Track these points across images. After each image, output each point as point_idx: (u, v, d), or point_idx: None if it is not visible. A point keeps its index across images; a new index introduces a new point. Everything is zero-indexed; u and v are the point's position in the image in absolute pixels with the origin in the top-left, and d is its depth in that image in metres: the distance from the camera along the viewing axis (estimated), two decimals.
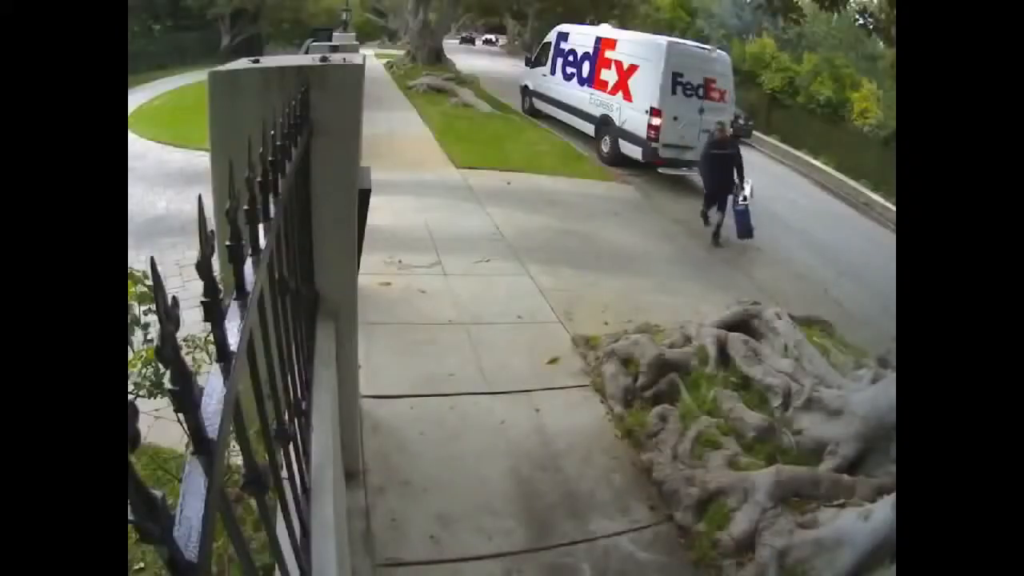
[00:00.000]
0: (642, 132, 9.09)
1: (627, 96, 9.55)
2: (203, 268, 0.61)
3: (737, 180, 6.96)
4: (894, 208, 10.82)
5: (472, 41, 36.35)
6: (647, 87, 9.16)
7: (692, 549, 2.47)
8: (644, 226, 6.90)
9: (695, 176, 9.59)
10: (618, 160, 9.57)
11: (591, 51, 10.58)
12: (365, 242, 2.30)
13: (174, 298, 0.49)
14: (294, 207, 1.42)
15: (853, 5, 6.43)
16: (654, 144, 8.96)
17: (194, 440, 0.52)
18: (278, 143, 1.12)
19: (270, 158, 1.03)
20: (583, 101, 10.63)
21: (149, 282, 1.70)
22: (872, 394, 3.01)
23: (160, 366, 1.55)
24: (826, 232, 8.98)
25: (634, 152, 9.26)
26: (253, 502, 0.80)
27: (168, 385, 0.50)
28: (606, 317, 4.29)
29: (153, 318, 1.45)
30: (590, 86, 10.47)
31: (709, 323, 3.84)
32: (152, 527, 0.41)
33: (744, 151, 7.64)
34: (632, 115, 9.37)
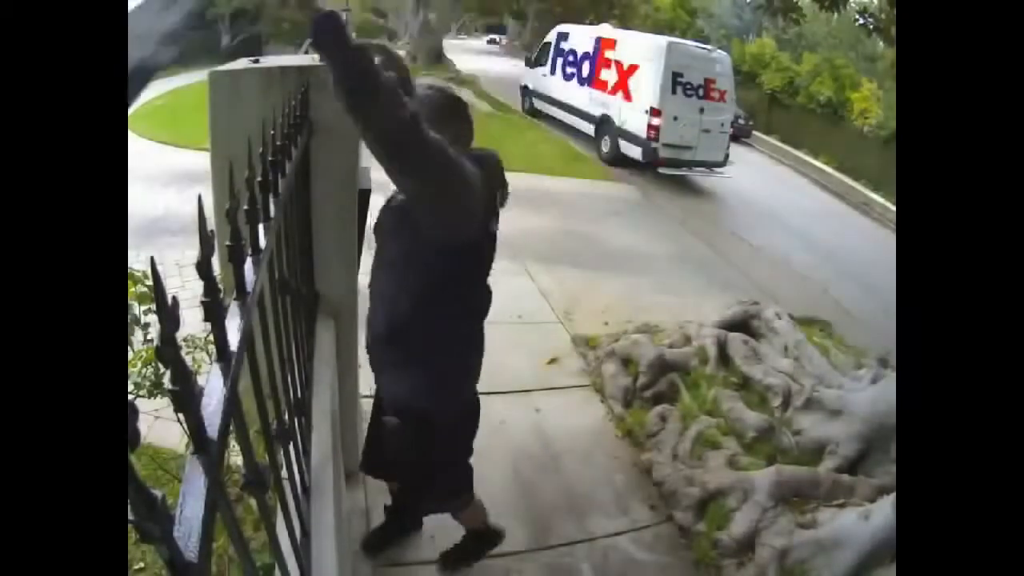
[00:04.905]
0: (642, 132, 9.09)
1: (627, 96, 9.55)
2: (203, 268, 0.61)
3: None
4: (894, 208, 10.82)
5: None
6: (647, 87, 9.16)
7: (692, 549, 2.47)
8: (644, 226, 6.90)
9: (695, 176, 9.61)
10: (618, 160, 9.57)
11: (591, 51, 10.57)
12: (365, 242, 2.30)
13: (174, 298, 0.49)
14: (294, 207, 1.42)
15: (853, 5, 6.41)
16: (654, 144, 8.97)
17: (194, 440, 0.52)
18: (278, 143, 1.12)
19: (270, 158, 1.03)
20: (583, 101, 10.63)
21: (149, 282, 1.70)
22: (872, 394, 3.02)
23: (160, 366, 1.55)
24: (826, 232, 8.98)
25: (634, 152, 9.27)
26: (253, 502, 0.80)
27: (168, 385, 0.50)
28: (606, 317, 4.28)
29: (153, 318, 1.45)
30: (590, 86, 10.47)
31: (709, 323, 3.84)
32: (152, 527, 0.41)
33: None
34: (632, 115, 9.37)
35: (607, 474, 2.85)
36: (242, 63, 1.88)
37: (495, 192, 1.58)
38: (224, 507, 0.56)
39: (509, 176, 1.67)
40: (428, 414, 1.64)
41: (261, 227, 0.87)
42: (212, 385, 0.58)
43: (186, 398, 0.50)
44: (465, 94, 13.12)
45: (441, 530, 2.28)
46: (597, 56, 10.38)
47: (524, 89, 12.90)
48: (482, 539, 2.12)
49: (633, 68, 9.51)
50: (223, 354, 0.62)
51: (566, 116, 11.21)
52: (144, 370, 1.73)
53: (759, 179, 11.66)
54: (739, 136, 13.96)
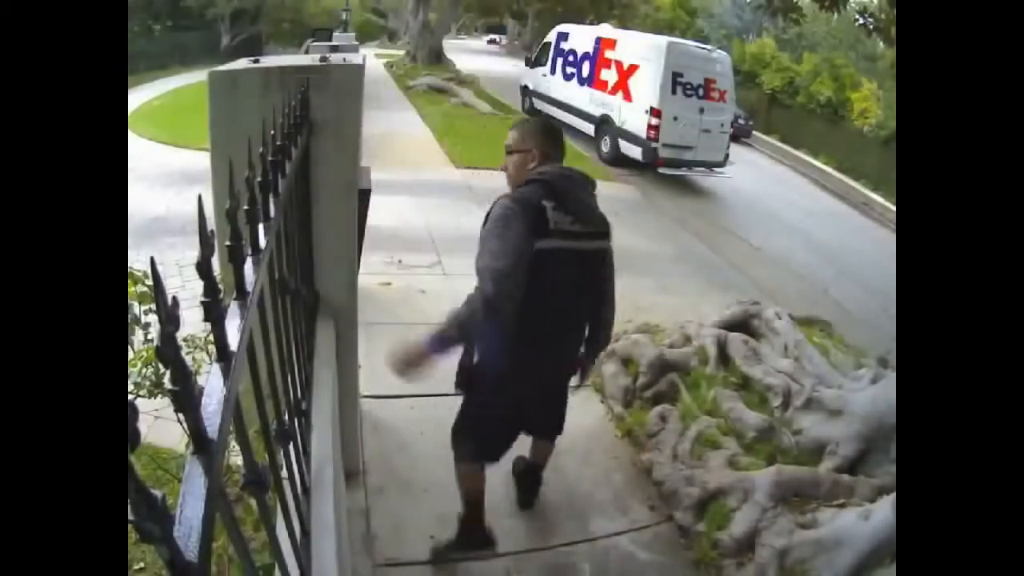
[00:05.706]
0: (642, 132, 9.09)
1: (627, 96, 9.55)
2: (203, 268, 0.61)
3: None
4: (894, 208, 10.83)
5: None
6: (647, 87, 9.16)
7: (692, 549, 2.47)
8: (644, 226, 6.89)
9: (695, 176, 9.60)
10: (618, 160, 9.57)
11: (591, 51, 10.58)
12: (365, 242, 2.30)
13: (174, 298, 0.49)
14: (294, 207, 1.42)
15: (853, 5, 6.42)
16: (654, 144, 8.97)
17: (194, 440, 0.52)
18: (278, 143, 1.12)
19: (270, 158, 1.03)
20: (583, 101, 10.63)
21: (149, 282, 1.70)
22: (872, 394, 3.01)
23: (160, 366, 1.55)
24: (826, 232, 8.98)
25: (634, 152, 9.27)
26: (253, 502, 0.80)
27: (168, 385, 0.50)
28: None
29: (153, 318, 1.45)
30: (590, 86, 10.48)
31: (709, 323, 3.83)
32: (152, 527, 0.41)
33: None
34: (632, 115, 9.37)
35: (607, 474, 2.85)
36: (242, 63, 1.88)
37: (542, 216, 1.75)
38: (224, 507, 0.56)
39: None
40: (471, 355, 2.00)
41: (261, 227, 0.87)
42: (212, 385, 0.58)
43: (186, 398, 0.50)
44: (465, 94, 13.16)
45: (442, 531, 2.28)
46: (597, 56, 10.38)
47: (524, 89, 12.90)
48: (466, 531, 2.19)
49: (633, 68, 9.51)
50: (223, 354, 0.62)
51: (566, 116, 11.20)
52: (144, 370, 1.73)
53: (759, 179, 11.66)
54: (739, 136, 13.96)
